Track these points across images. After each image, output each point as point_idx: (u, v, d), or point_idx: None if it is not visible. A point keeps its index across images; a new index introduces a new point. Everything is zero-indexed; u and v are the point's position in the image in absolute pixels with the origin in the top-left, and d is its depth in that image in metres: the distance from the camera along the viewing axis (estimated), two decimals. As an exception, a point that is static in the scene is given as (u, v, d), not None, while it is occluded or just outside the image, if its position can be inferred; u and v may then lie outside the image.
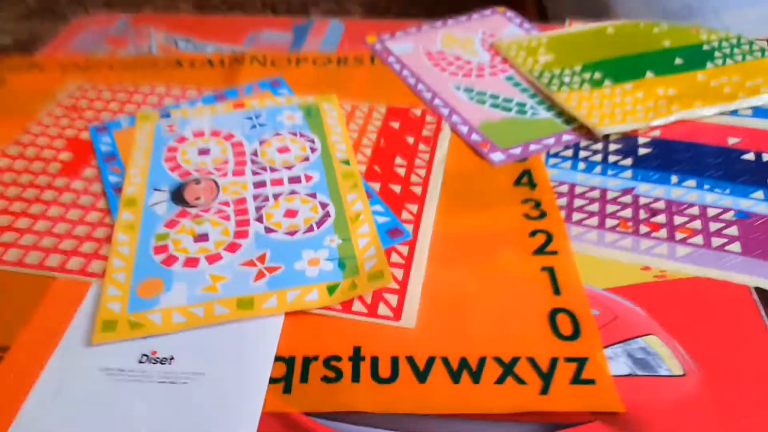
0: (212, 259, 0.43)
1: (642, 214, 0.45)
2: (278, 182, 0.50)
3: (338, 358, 0.37)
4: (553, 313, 0.38)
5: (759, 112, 0.54)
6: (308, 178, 0.50)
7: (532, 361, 0.36)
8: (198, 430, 0.34)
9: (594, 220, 0.45)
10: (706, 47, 0.63)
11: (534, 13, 1.47)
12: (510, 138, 0.53)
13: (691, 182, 0.47)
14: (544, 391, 0.34)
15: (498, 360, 0.36)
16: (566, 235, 0.43)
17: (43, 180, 0.51)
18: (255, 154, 0.53)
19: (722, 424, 0.32)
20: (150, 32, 0.74)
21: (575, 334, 0.37)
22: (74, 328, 0.39)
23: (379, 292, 0.40)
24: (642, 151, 0.51)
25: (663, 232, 0.43)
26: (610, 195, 0.47)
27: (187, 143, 0.54)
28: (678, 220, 0.44)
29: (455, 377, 0.35)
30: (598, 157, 0.50)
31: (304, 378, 0.36)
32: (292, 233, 0.45)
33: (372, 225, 0.45)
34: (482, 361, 0.36)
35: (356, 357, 0.37)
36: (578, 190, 0.47)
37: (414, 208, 0.47)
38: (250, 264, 0.43)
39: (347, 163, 0.51)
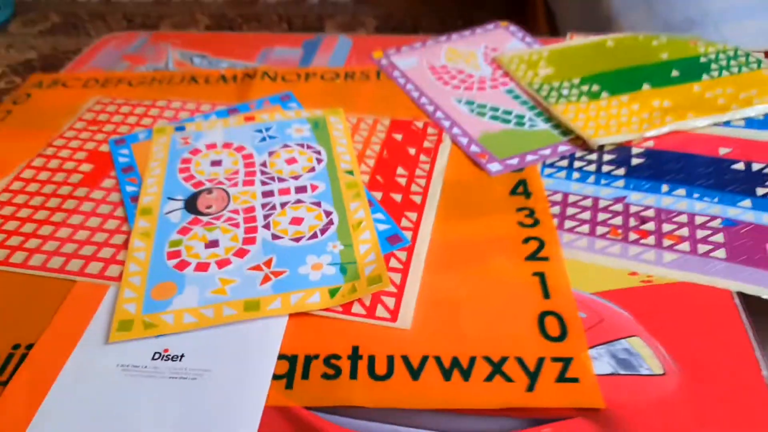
0: (222, 264, 0.46)
1: (632, 222, 0.47)
2: (285, 191, 0.52)
3: (338, 357, 0.39)
4: (542, 316, 0.40)
5: (751, 123, 0.55)
6: (314, 188, 0.53)
7: (520, 361, 0.38)
8: (205, 422, 0.36)
9: (585, 228, 0.47)
10: (703, 59, 0.65)
11: (544, 25, 1.50)
12: (508, 149, 0.55)
13: (681, 191, 0.49)
14: (530, 388, 0.36)
15: (488, 359, 0.38)
16: (558, 242, 0.45)
17: (65, 190, 0.55)
18: (264, 165, 0.56)
19: (697, 420, 0.34)
20: (167, 49, 0.78)
21: (562, 336, 0.39)
22: (93, 327, 0.42)
23: (377, 294, 0.43)
24: (635, 161, 0.53)
25: (651, 239, 0.45)
26: (602, 204, 0.49)
27: (201, 155, 0.57)
28: (666, 227, 0.46)
29: (447, 375, 0.37)
30: (593, 167, 0.52)
31: (305, 375, 0.38)
32: (297, 239, 0.47)
33: (373, 232, 0.48)
34: (473, 360, 0.38)
35: (354, 356, 0.39)
36: (571, 198, 0.49)
37: (413, 216, 0.49)
38: (257, 268, 0.45)
39: (351, 173, 0.54)
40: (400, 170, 0.54)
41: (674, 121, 0.56)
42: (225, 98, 0.66)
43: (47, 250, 0.48)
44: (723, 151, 0.53)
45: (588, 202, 0.49)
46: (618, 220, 0.47)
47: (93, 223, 0.51)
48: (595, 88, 0.62)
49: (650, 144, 0.55)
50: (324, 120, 0.61)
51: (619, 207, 0.48)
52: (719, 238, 0.44)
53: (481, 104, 0.62)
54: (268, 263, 0.46)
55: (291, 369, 0.38)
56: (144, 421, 0.37)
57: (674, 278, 0.42)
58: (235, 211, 0.51)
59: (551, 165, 0.53)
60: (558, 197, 0.50)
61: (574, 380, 0.36)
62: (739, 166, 0.51)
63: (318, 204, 0.51)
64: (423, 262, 0.45)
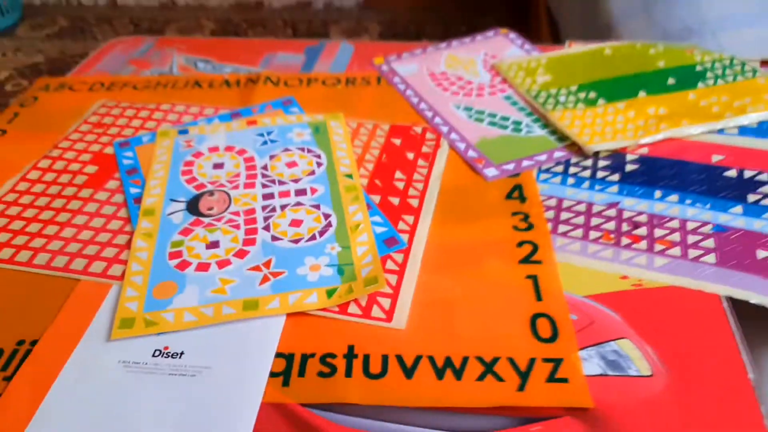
0: (222, 264, 0.47)
1: (624, 227, 0.47)
2: (285, 194, 0.54)
3: (333, 356, 0.40)
4: (534, 318, 0.41)
5: (744, 130, 0.56)
6: (313, 191, 0.54)
7: (511, 361, 0.39)
8: (203, 418, 0.37)
9: (579, 232, 0.47)
10: (699, 68, 0.66)
11: (547, 32, 1.51)
12: (504, 154, 0.56)
13: (674, 197, 0.50)
14: (521, 388, 0.37)
15: (480, 359, 0.39)
16: (551, 246, 0.46)
17: (70, 191, 0.56)
18: (265, 168, 0.57)
19: (684, 420, 0.35)
20: (172, 54, 0.79)
21: (553, 337, 0.40)
22: (95, 324, 0.43)
23: (373, 295, 0.44)
24: (629, 167, 0.54)
25: (643, 244, 0.46)
26: (595, 209, 0.50)
27: (203, 158, 0.59)
28: (658, 232, 0.47)
29: (440, 374, 0.38)
30: (587, 173, 0.53)
31: (301, 372, 0.39)
32: (296, 241, 0.48)
33: (370, 234, 0.49)
34: (465, 360, 0.39)
35: (350, 354, 0.40)
36: (566, 203, 0.50)
37: (410, 219, 0.50)
38: (257, 269, 0.46)
39: (350, 176, 0.55)
40: (398, 174, 0.55)
41: (669, 128, 0.57)
42: (228, 102, 0.68)
43: (52, 249, 0.50)
44: (716, 158, 0.53)
45: (582, 207, 0.50)
46: (611, 225, 0.48)
47: (97, 224, 0.52)
48: (592, 95, 0.63)
49: (645, 151, 0.55)
50: (324, 124, 0.62)
51: (612, 212, 0.49)
52: (710, 243, 0.45)
53: (479, 110, 0.63)
54: (267, 264, 0.47)
55: (288, 367, 0.39)
56: (144, 416, 0.38)
57: (664, 282, 0.43)
58: (236, 213, 0.52)
59: (547, 170, 0.54)
60: (552, 202, 0.51)
61: (564, 380, 0.37)
62: (732, 173, 0.52)
63: (317, 207, 0.52)
64: (419, 264, 0.46)
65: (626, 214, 0.49)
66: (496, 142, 0.58)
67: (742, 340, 0.39)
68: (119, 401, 0.38)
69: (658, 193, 0.50)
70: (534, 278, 0.44)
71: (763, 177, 0.51)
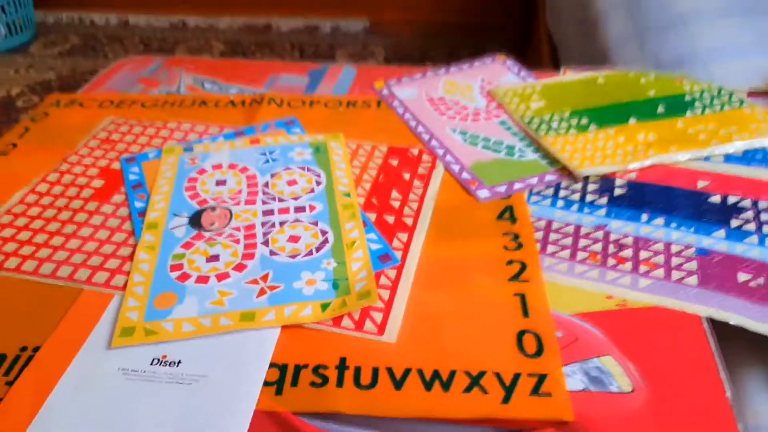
0: (221, 277, 0.49)
1: (611, 249, 0.49)
2: (285, 211, 0.55)
3: (326, 367, 0.41)
4: (521, 334, 0.43)
5: (729, 158, 0.58)
6: (312, 208, 0.55)
7: (497, 375, 0.40)
8: (198, 424, 0.38)
9: (566, 253, 0.49)
10: (688, 97, 0.68)
11: (548, 57, 1.54)
12: (497, 177, 0.58)
13: (660, 220, 0.51)
14: (506, 400, 0.38)
15: (467, 373, 0.40)
16: (539, 266, 0.48)
17: (77, 204, 0.58)
18: (266, 185, 0.59)
19: (662, 435, 0.36)
20: (180, 74, 0.82)
21: (539, 353, 0.41)
22: (97, 333, 0.45)
23: (366, 309, 0.45)
24: (618, 191, 0.55)
25: (628, 265, 0.47)
26: (583, 231, 0.51)
27: (207, 175, 0.61)
28: (643, 254, 0.48)
29: (428, 386, 0.40)
30: (576, 196, 0.55)
31: (294, 382, 0.40)
32: (293, 256, 0.50)
33: (365, 251, 0.50)
34: (453, 374, 0.40)
35: (342, 366, 0.41)
36: (555, 225, 0.52)
37: (404, 237, 0.52)
38: (254, 282, 0.48)
39: (348, 195, 0.57)
40: (394, 194, 0.57)
41: (657, 154, 0.58)
42: (232, 121, 0.70)
43: (57, 259, 0.51)
44: (701, 184, 0.55)
45: (570, 229, 0.51)
46: (598, 247, 0.49)
47: (102, 236, 0.54)
48: (584, 121, 0.65)
49: (633, 176, 0.57)
50: (325, 145, 0.64)
51: (600, 234, 0.51)
52: (692, 265, 0.47)
53: (474, 134, 0.65)
54: (264, 277, 0.48)
55: (281, 376, 0.41)
56: (141, 422, 0.39)
57: (648, 302, 0.44)
58: (237, 228, 0.54)
59: (538, 193, 0.56)
60: (542, 223, 0.52)
61: (548, 395, 0.38)
62: (716, 198, 0.53)
63: (315, 223, 0.54)
64: (411, 280, 0.48)
65: (613, 236, 0.50)
66: (489, 165, 0.60)
67: (720, 359, 0.40)
68: (118, 407, 0.40)
69: (644, 217, 0.52)
70: (522, 296, 0.45)
71: (746, 203, 0.52)
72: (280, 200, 0.57)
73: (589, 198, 0.55)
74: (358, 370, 0.41)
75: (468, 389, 0.39)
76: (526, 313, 0.44)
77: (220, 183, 0.59)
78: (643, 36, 0.88)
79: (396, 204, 0.56)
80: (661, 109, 0.66)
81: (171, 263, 0.50)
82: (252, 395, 0.40)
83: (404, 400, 0.39)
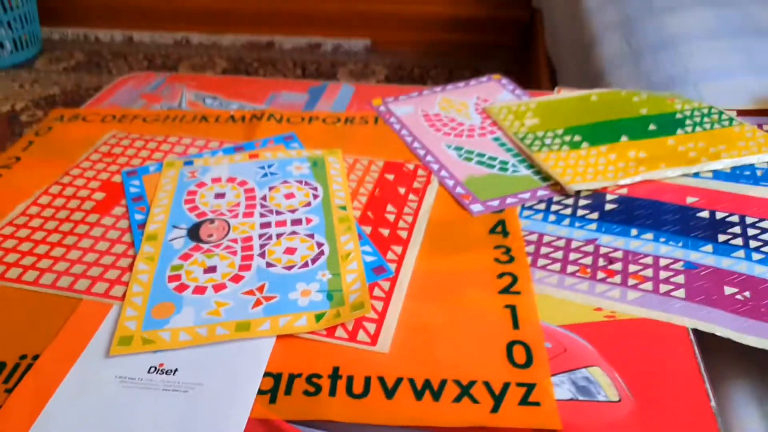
0: (218, 288, 0.50)
1: (601, 262, 0.50)
2: (282, 224, 0.56)
3: (319, 376, 0.42)
4: (511, 345, 0.43)
5: (718, 175, 0.59)
6: (308, 221, 0.57)
7: (487, 385, 0.41)
8: (193, 431, 0.39)
9: (557, 266, 0.50)
10: (678, 116, 0.69)
11: (546, 77, 1.56)
12: (490, 192, 0.59)
13: (649, 235, 0.52)
14: (495, 410, 0.39)
15: (457, 382, 0.41)
16: (530, 278, 0.49)
17: (78, 216, 0.59)
18: (264, 198, 0.60)
19: (647, 443, 0.37)
20: (182, 90, 0.83)
21: (528, 363, 0.42)
22: (95, 341, 0.46)
23: (360, 320, 0.46)
24: (608, 206, 0.56)
25: (617, 278, 0.48)
26: (574, 244, 0.52)
27: (206, 188, 0.62)
28: (632, 268, 0.49)
29: (419, 395, 0.40)
30: (568, 211, 0.56)
31: (288, 391, 0.41)
32: (289, 268, 0.51)
33: (360, 263, 0.51)
34: (443, 383, 0.41)
35: (335, 375, 0.42)
36: (546, 239, 0.53)
37: (399, 249, 0.53)
38: (251, 293, 0.49)
39: (344, 208, 0.58)
40: (389, 207, 0.58)
41: (647, 170, 0.60)
42: (233, 137, 0.71)
43: (58, 270, 0.52)
44: (690, 200, 0.56)
45: (561, 243, 0.52)
46: (588, 260, 0.50)
47: (102, 247, 0.55)
48: (577, 138, 0.66)
49: (624, 191, 0.58)
50: (323, 159, 0.66)
51: (590, 248, 0.52)
52: (680, 279, 0.48)
53: (469, 150, 0.66)
54: (260, 288, 0.49)
55: (275, 385, 0.42)
56: (138, 430, 0.40)
57: (636, 314, 0.45)
58: (234, 240, 0.55)
59: (530, 208, 0.57)
60: (534, 237, 0.53)
61: (536, 404, 0.39)
62: (704, 214, 0.54)
63: (311, 236, 0.55)
64: (404, 291, 0.49)
65: (603, 250, 0.51)
66: (483, 180, 0.61)
67: (705, 370, 0.41)
68: (115, 415, 0.41)
69: (634, 231, 0.53)
70: (512, 308, 0.46)
71: (733, 218, 0.53)
72: (278, 213, 0.58)
73: (580, 213, 0.56)
74: (350, 380, 0.42)
75: (458, 399, 0.40)
76: (516, 324, 0.45)
77: (219, 196, 0.61)
78: (637, 57, 0.90)
79: (391, 217, 0.57)
80: (652, 127, 0.67)
81: (169, 274, 0.51)
82: (246, 403, 0.41)
83: (395, 409, 0.40)
